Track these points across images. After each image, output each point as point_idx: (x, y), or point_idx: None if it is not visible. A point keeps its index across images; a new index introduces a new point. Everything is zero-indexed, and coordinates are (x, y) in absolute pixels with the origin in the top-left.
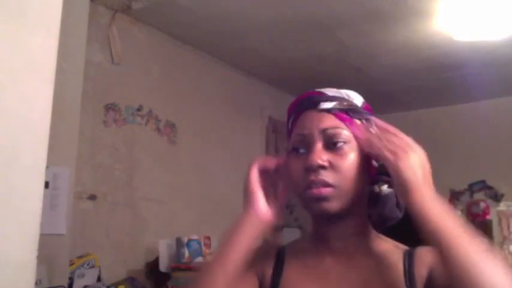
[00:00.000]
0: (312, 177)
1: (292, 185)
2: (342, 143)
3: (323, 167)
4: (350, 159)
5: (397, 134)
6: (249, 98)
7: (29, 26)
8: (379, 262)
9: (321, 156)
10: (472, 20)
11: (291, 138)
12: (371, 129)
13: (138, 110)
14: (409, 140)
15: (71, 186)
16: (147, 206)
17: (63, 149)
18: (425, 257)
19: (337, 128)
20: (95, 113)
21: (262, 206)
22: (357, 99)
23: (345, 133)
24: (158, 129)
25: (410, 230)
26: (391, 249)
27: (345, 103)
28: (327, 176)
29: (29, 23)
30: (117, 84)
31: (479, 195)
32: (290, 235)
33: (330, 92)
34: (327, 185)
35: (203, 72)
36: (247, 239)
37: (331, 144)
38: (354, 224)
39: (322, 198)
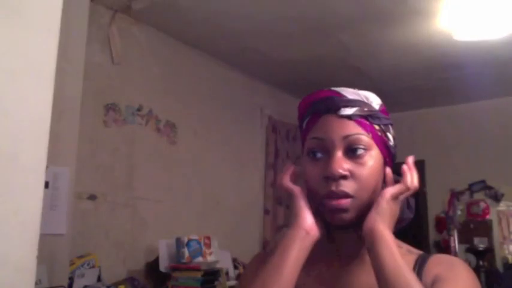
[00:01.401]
0: (333, 188)
1: (308, 190)
2: (362, 151)
3: (344, 177)
4: (370, 167)
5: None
6: (249, 98)
7: (29, 26)
8: None
9: (342, 165)
10: (472, 20)
11: (306, 140)
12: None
13: (138, 110)
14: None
15: (71, 186)
16: (147, 206)
17: (63, 149)
18: (434, 266)
19: (358, 134)
20: (95, 113)
21: (310, 222)
22: (375, 102)
23: (366, 140)
24: (158, 129)
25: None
26: (402, 253)
27: (366, 108)
28: (347, 186)
29: (29, 23)
30: (117, 84)
31: (479, 195)
32: None
33: (349, 93)
34: (347, 196)
35: (203, 72)
36: (299, 254)
37: (351, 151)
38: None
39: (341, 209)
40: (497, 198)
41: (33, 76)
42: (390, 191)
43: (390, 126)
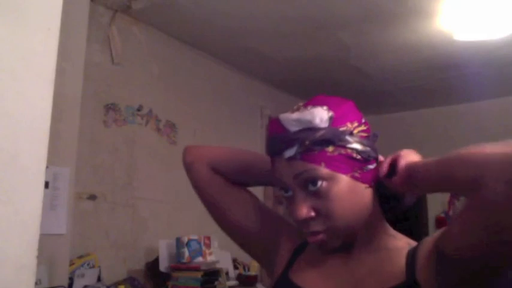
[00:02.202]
0: (305, 230)
1: None
2: (319, 183)
3: (311, 218)
4: (335, 196)
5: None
6: (249, 98)
7: (29, 26)
8: (383, 258)
9: (303, 209)
10: (472, 20)
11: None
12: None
13: (138, 110)
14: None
15: (71, 186)
16: (147, 206)
17: (63, 149)
18: (425, 243)
19: (306, 171)
20: (95, 113)
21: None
22: (322, 118)
23: (319, 172)
24: (158, 129)
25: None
26: (400, 246)
27: (307, 142)
28: (316, 225)
29: (29, 23)
30: (117, 84)
31: None
32: None
33: (291, 125)
34: (319, 233)
35: (203, 72)
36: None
37: (310, 187)
38: (362, 233)
39: (320, 243)
40: None
41: (33, 76)
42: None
43: (347, 134)
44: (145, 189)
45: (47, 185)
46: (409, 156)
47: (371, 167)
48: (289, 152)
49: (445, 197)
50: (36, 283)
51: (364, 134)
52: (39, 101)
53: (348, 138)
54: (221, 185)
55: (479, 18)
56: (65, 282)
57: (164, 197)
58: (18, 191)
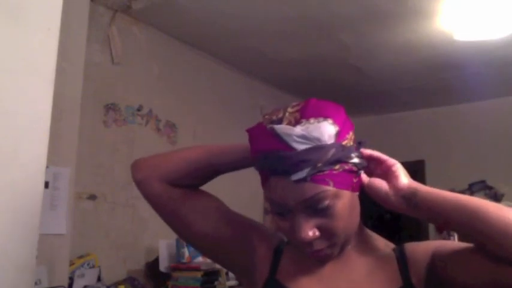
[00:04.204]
0: (307, 249)
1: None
2: (327, 204)
3: (313, 239)
4: (339, 214)
5: (380, 158)
6: (249, 97)
7: (29, 26)
8: (373, 260)
9: (308, 232)
10: (472, 20)
11: (266, 195)
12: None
13: (138, 110)
14: (384, 157)
15: (71, 186)
16: (147, 206)
17: (63, 149)
18: (417, 252)
19: (318, 193)
20: (95, 113)
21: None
22: (328, 133)
23: (328, 193)
24: (158, 129)
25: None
26: (382, 247)
27: (319, 164)
28: (321, 244)
29: (29, 23)
30: (117, 84)
31: (479, 195)
32: None
33: (298, 143)
34: (322, 249)
35: (203, 72)
36: (238, 153)
37: (317, 209)
38: (351, 239)
39: (321, 258)
40: (497, 198)
41: (33, 76)
42: (394, 161)
43: (353, 151)
44: None
45: (47, 185)
46: (405, 172)
47: (361, 173)
48: (299, 175)
49: None
50: (36, 283)
51: (355, 144)
52: (39, 101)
53: (352, 154)
54: (179, 197)
55: (479, 18)
56: (65, 282)
57: None
58: (18, 191)
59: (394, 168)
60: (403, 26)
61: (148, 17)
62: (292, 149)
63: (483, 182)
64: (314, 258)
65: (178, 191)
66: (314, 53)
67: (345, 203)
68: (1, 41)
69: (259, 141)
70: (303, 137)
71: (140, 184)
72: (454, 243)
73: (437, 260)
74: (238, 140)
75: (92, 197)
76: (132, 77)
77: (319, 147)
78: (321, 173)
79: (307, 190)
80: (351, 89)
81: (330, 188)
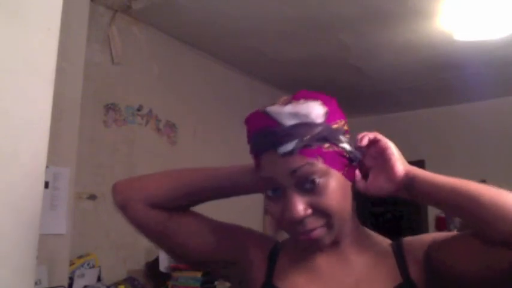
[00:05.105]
0: (300, 229)
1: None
2: (317, 180)
3: (306, 216)
4: (330, 193)
5: (376, 137)
6: (249, 97)
7: (29, 26)
8: (371, 257)
9: (299, 208)
10: (472, 20)
11: (258, 174)
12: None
13: (138, 110)
14: (380, 136)
15: (71, 186)
16: None
17: (63, 149)
18: (414, 246)
19: (305, 165)
20: (95, 113)
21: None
22: (317, 113)
23: (316, 167)
24: (158, 129)
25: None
26: (379, 242)
27: (307, 136)
28: (313, 222)
29: (29, 23)
30: (117, 84)
31: None
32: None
33: (287, 118)
34: (315, 229)
35: (203, 72)
36: (235, 176)
37: (307, 183)
38: (346, 230)
39: (314, 241)
40: None
41: (33, 76)
42: (389, 143)
43: (341, 134)
44: None
45: (47, 185)
46: (399, 156)
47: (354, 165)
48: (286, 147)
49: None
50: (36, 283)
51: (348, 135)
52: (39, 101)
53: (341, 137)
54: (165, 219)
55: (479, 18)
56: (65, 282)
57: None
58: (18, 191)
59: (388, 152)
60: (403, 26)
61: (148, 17)
62: (281, 125)
63: (483, 182)
64: (307, 243)
65: (164, 213)
66: (314, 53)
67: (336, 184)
68: (1, 41)
69: (252, 123)
70: (292, 114)
71: (123, 206)
72: (448, 233)
73: (432, 250)
74: (238, 139)
75: (92, 197)
76: (132, 77)
77: (307, 124)
78: (309, 148)
79: (295, 161)
80: (351, 89)
81: (319, 163)
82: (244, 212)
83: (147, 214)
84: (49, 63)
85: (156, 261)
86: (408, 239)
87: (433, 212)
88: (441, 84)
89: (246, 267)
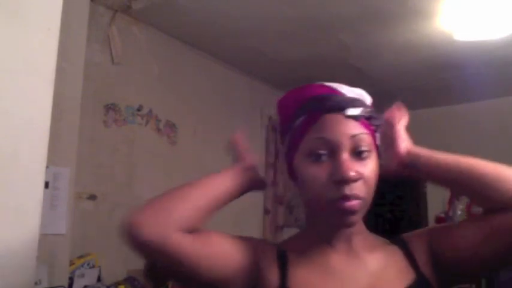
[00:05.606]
0: (346, 192)
1: (309, 195)
2: (366, 152)
3: (355, 180)
4: (373, 169)
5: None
6: (249, 98)
7: (29, 26)
8: (381, 255)
9: (353, 167)
10: (472, 20)
11: (301, 139)
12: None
13: (138, 110)
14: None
15: (71, 186)
16: None
17: (63, 149)
18: (415, 241)
19: (363, 134)
20: (95, 113)
21: (249, 163)
22: (368, 100)
23: (369, 140)
24: (158, 129)
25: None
26: (383, 241)
27: (368, 109)
28: (358, 189)
29: (29, 23)
30: (117, 84)
31: None
32: (290, 235)
33: (348, 91)
34: (358, 197)
35: (203, 72)
36: (227, 178)
37: (357, 152)
38: (357, 226)
39: (351, 212)
40: None
41: (33, 76)
42: (401, 122)
43: (380, 123)
44: (145, 189)
45: (47, 185)
46: (404, 135)
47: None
48: (354, 111)
49: (445, 196)
50: (36, 283)
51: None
52: (39, 101)
53: (379, 128)
54: (202, 243)
55: (479, 18)
56: (65, 282)
57: None
58: (18, 191)
59: (394, 130)
60: (403, 26)
61: (148, 17)
62: (344, 94)
63: None
64: (343, 211)
65: (191, 237)
66: (314, 53)
67: (376, 164)
68: (1, 41)
69: (310, 90)
70: (350, 89)
71: (162, 244)
72: (442, 224)
73: (433, 239)
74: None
75: (92, 197)
76: (132, 77)
77: (364, 101)
78: (367, 121)
79: (356, 127)
80: None
81: (371, 138)
82: (244, 212)
83: (189, 243)
84: (49, 63)
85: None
86: (407, 236)
87: (432, 212)
88: (441, 84)
89: (258, 275)
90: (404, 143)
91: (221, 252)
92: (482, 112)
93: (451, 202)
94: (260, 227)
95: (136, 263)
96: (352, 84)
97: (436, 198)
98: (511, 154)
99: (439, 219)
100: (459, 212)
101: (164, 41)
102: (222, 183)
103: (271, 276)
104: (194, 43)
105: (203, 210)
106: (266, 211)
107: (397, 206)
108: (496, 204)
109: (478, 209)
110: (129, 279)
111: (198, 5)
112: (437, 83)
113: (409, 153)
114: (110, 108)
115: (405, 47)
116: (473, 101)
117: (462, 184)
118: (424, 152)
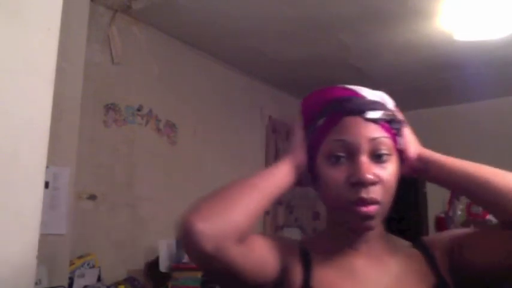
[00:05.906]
0: (363, 195)
1: (328, 195)
2: (386, 155)
3: (373, 183)
4: (393, 172)
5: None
6: (249, 98)
7: (29, 26)
8: (403, 258)
9: (370, 170)
10: (472, 20)
11: (321, 141)
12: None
13: (138, 110)
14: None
15: (71, 186)
16: (147, 206)
17: (63, 149)
18: (436, 245)
19: (383, 137)
20: (95, 113)
21: (302, 159)
22: (390, 103)
23: (389, 144)
24: (158, 129)
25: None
26: (403, 245)
27: (389, 113)
28: (376, 192)
29: (29, 23)
30: (117, 84)
31: None
32: (290, 235)
33: (369, 94)
34: (376, 202)
35: (203, 72)
36: (283, 176)
37: (376, 155)
38: (379, 229)
39: (368, 217)
40: None
41: (33, 76)
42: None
43: (401, 127)
44: (145, 189)
45: (47, 185)
46: (413, 139)
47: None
48: (374, 114)
49: (445, 197)
50: (36, 283)
51: None
52: (39, 101)
53: (400, 132)
54: (247, 251)
55: (479, 18)
56: (65, 282)
57: (164, 197)
58: (18, 191)
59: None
60: (403, 26)
61: (148, 17)
62: (365, 97)
63: None
64: (361, 216)
65: (243, 245)
66: (314, 53)
67: (396, 167)
68: (1, 41)
69: (330, 92)
70: (371, 92)
71: (216, 257)
72: (464, 230)
73: (455, 246)
74: (238, 139)
75: (92, 197)
76: (132, 77)
77: (385, 105)
78: (387, 124)
79: (376, 130)
80: None
81: (390, 141)
82: None
83: (241, 251)
84: (49, 63)
85: (156, 261)
86: (428, 239)
87: (432, 212)
88: (441, 84)
89: (284, 275)
90: (413, 146)
91: (262, 257)
92: (482, 112)
93: (451, 202)
94: (260, 227)
95: (136, 263)
96: (352, 84)
97: (436, 198)
98: (511, 154)
99: (439, 219)
100: (459, 212)
101: (164, 41)
102: (281, 182)
103: (295, 277)
104: (194, 43)
105: (260, 213)
106: (266, 211)
107: (397, 206)
108: (506, 221)
109: (478, 209)
110: (129, 279)
111: (198, 5)
112: (437, 83)
113: (419, 158)
114: (110, 108)
115: (405, 47)
116: (473, 101)
117: (476, 197)
118: (435, 158)
